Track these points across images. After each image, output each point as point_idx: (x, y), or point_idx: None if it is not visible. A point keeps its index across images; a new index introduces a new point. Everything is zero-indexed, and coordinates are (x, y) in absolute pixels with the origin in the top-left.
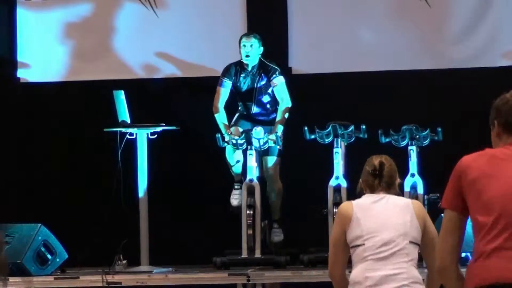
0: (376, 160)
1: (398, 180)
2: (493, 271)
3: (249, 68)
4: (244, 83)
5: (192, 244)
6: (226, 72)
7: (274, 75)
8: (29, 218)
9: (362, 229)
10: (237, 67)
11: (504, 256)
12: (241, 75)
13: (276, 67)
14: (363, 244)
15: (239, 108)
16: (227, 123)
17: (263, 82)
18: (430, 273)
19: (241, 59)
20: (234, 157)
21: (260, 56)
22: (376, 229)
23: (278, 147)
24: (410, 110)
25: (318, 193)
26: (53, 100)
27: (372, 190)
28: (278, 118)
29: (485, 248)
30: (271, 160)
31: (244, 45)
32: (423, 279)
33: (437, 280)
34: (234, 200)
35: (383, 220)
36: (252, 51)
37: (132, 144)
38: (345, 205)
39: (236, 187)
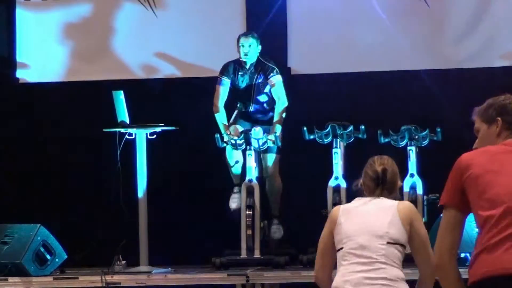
0: (379, 166)
1: (399, 184)
2: (500, 262)
3: (247, 66)
4: (243, 81)
5: (192, 244)
6: (224, 70)
7: (272, 74)
8: (28, 219)
9: (342, 233)
10: (236, 66)
11: (510, 248)
12: (239, 73)
13: (274, 66)
14: (342, 248)
15: (237, 105)
16: (226, 124)
17: (260, 80)
18: (421, 276)
19: (239, 57)
20: (233, 157)
21: (258, 54)
22: (353, 233)
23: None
24: (409, 110)
25: (318, 193)
26: (53, 101)
27: (372, 195)
28: (276, 118)
29: (491, 240)
30: (271, 158)
31: (243, 45)
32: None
33: (429, 282)
34: (233, 204)
35: (361, 223)
36: (250, 50)
37: (131, 144)
38: (334, 209)
39: (235, 190)
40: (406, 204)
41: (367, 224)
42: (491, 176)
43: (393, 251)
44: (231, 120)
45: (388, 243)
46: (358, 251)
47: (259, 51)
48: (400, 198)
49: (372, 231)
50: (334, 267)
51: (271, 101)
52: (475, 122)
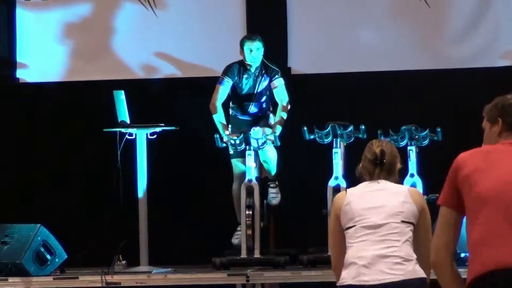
0: (377, 147)
1: (399, 166)
2: (490, 258)
3: (252, 70)
4: (246, 84)
5: (192, 244)
6: (228, 71)
7: (276, 76)
8: (28, 218)
9: (353, 211)
10: (240, 67)
11: (497, 243)
12: (244, 75)
13: (277, 69)
14: (355, 226)
15: (231, 112)
16: (225, 123)
17: (265, 83)
18: (419, 261)
19: (244, 59)
20: (239, 168)
21: (262, 56)
22: (367, 212)
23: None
24: (409, 110)
25: (318, 193)
26: (53, 100)
27: (372, 177)
28: (277, 118)
29: (479, 236)
30: (269, 148)
31: (251, 50)
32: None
33: (429, 271)
34: (235, 240)
35: (374, 202)
36: (258, 54)
37: (131, 144)
38: (339, 194)
39: (238, 228)
40: (416, 190)
41: (381, 204)
42: (478, 174)
43: (406, 230)
44: (229, 129)
45: (402, 221)
46: (372, 229)
47: (263, 53)
48: (400, 181)
49: (387, 210)
50: None
51: (269, 100)
52: (483, 120)
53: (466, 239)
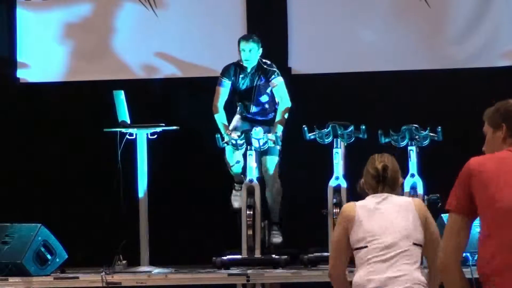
0: (379, 163)
1: (401, 180)
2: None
3: (248, 70)
4: (243, 84)
5: (192, 244)
6: (226, 71)
7: (273, 76)
8: (28, 218)
9: (364, 231)
10: (237, 68)
11: None
12: (240, 75)
13: (275, 69)
14: (366, 247)
15: (238, 109)
16: (226, 124)
17: (261, 82)
18: (430, 272)
19: (240, 60)
20: (234, 158)
21: (259, 58)
22: (379, 232)
23: (278, 147)
24: (410, 110)
25: (318, 193)
26: (53, 100)
27: (375, 192)
28: (278, 118)
29: (501, 259)
30: (271, 160)
31: (243, 50)
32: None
33: (437, 279)
34: (235, 202)
35: (386, 222)
36: (251, 55)
37: (132, 144)
38: (348, 206)
39: (236, 187)
40: (419, 201)
41: (393, 224)
42: (498, 186)
43: (417, 252)
44: (231, 127)
45: (414, 244)
46: (384, 250)
47: (259, 54)
48: (401, 195)
49: (399, 231)
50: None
51: (272, 102)
52: (484, 124)
53: (480, 249)
